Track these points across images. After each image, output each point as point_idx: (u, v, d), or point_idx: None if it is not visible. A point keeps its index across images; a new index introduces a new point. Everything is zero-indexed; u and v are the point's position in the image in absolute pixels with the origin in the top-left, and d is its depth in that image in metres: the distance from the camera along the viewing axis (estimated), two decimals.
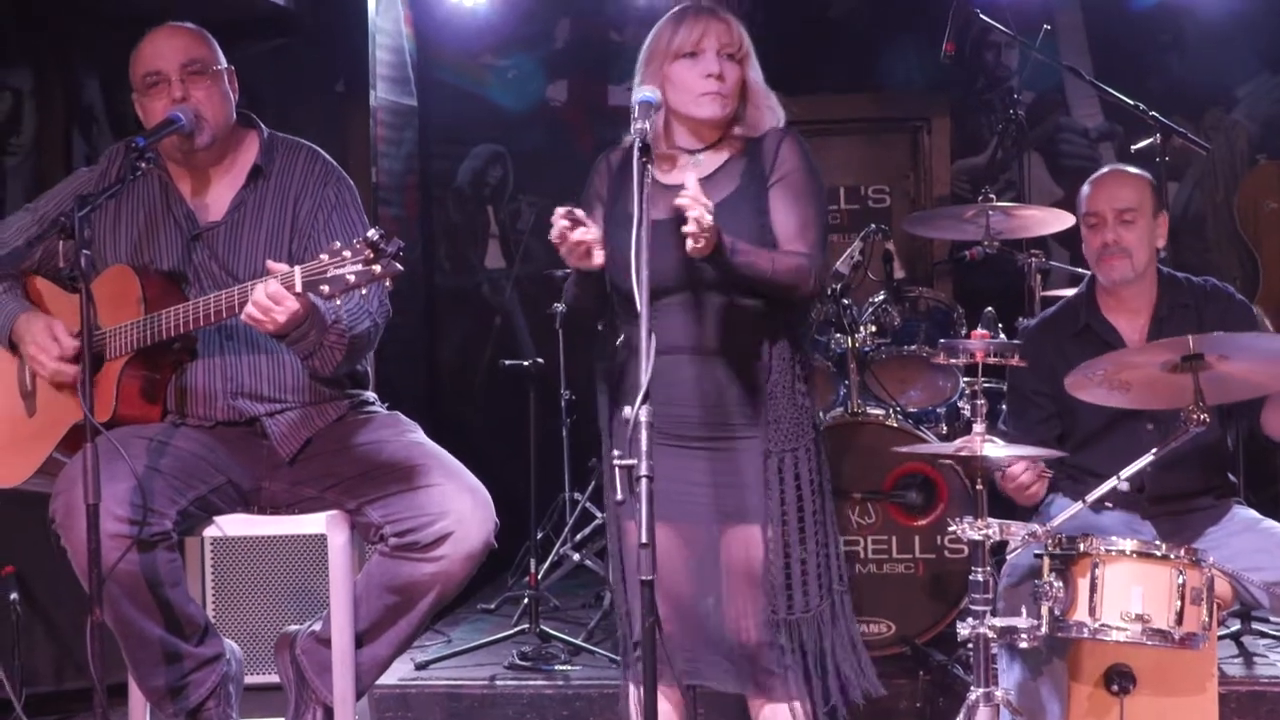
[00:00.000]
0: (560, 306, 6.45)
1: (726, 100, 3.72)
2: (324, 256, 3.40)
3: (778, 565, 3.67)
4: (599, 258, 3.48)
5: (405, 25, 7.62)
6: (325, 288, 3.39)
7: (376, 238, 3.35)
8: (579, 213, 3.48)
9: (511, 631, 5.64)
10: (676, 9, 3.79)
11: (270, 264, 3.52)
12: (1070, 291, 4.81)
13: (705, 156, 3.79)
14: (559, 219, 3.44)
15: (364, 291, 3.41)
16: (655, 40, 3.77)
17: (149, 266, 3.89)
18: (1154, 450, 3.72)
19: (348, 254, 3.37)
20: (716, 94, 3.70)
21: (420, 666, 5.30)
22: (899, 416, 5.41)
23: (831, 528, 3.78)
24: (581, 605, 6.23)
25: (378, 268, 3.35)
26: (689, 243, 3.36)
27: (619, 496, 3.09)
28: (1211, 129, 7.66)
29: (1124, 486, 3.85)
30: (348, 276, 3.36)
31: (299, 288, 3.43)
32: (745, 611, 3.70)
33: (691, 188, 3.37)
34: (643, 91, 3.54)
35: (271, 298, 3.47)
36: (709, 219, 3.34)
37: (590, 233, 3.46)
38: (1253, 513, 4.34)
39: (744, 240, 3.56)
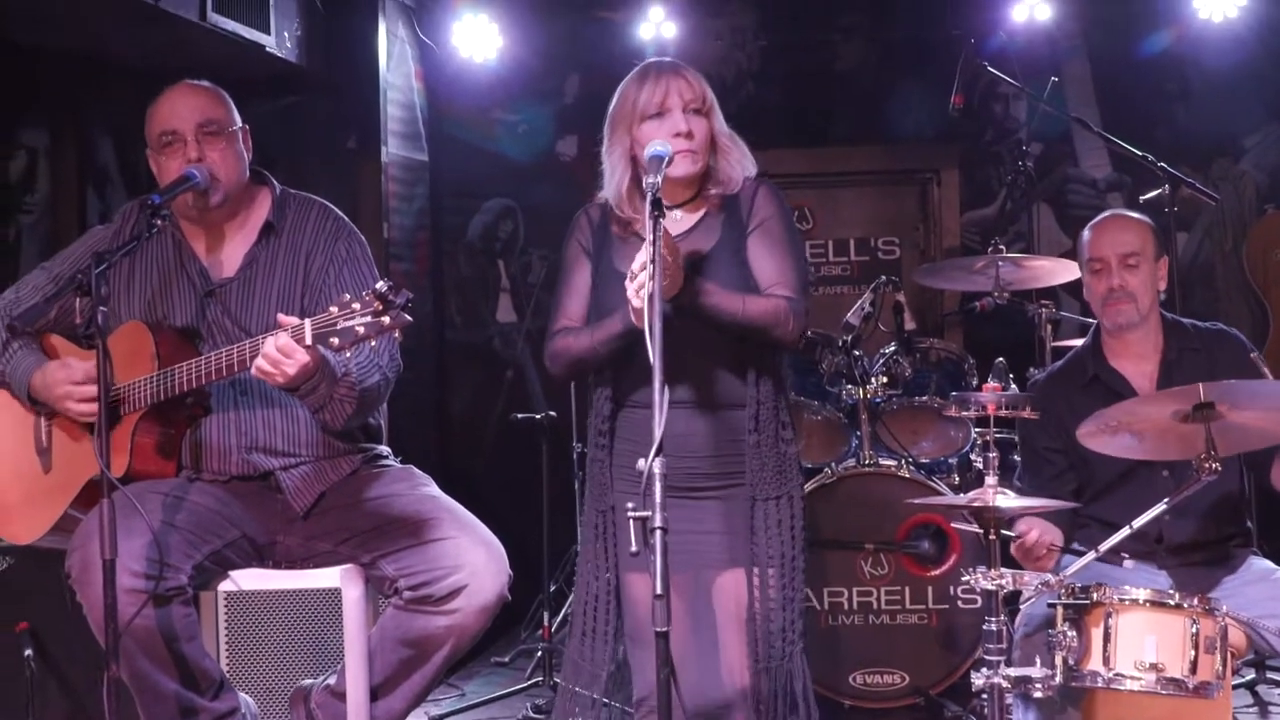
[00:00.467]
0: None
1: (698, 155, 3.77)
2: (333, 309, 3.43)
3: (763, 611, 3.70)
4: None
5: (416, 81, 7.69)
6: (335, 339, 3.41)
7: (385, 289, 3.37)
8: None
9: (525, 684, 5.65)
10: (638, 68, 3.85)
11: (281, 317, 3.55)
12: (1079, 342, 4.82)
13: (682, 213, 3.84)
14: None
15: (374, 344, 3.42)
16: (620, 103, 3.84)
17: (162, 323, 3.92)
18: (1165, 500, 3.72)
19: (357, 306, 3.39)
20: (688, 151, 3.74)
21: None
22: (911, 467, 5.43)
23: (801, 580, 3.82)
24: None
25: (386, 319, 3.37)
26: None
27: (634, 549, 3.10)
28: (1219, 179, 7.70)
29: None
30: (357, 328, 3.38)
31: (309, 340, 3.46)
32: (736, 655, 3.73)
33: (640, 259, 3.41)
34: (654, 147, 3.58)
35: (281, 351, 3.50)
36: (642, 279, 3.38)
37: None
38: (1268, 563, 4.33)
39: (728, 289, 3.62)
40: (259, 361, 3.54)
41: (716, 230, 3.79)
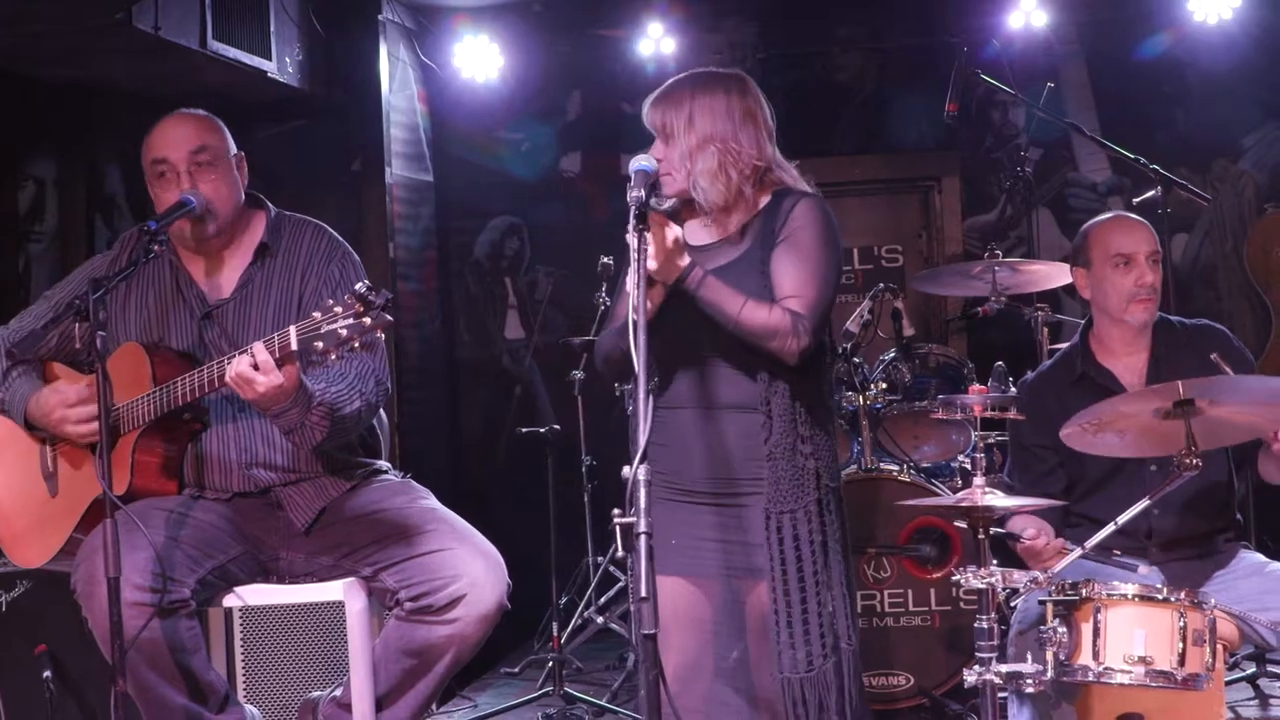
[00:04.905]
0: (579, 374, 6.55)
1: (674, 177, 3.81)
2: (317, 314, 3.48)
3: (782, 623, 3.71)
4: None
5: (419, 103, 7.78)
6: (319, 344, 3.45)
7: (364, 291, 3.43)
8: None
9: (536, 694, 5.70)
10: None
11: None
12: None
13: (711, 222, 3.87)
14: None
15: (357, 346, 3.46)
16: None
17: (159, 344, 3.98)
18: (1148, 497, 3.76)
19: (339, 309, 3.44)
20: (667, 174, 3.80)
21: None
22: (912, 472, 5.48)
23: (839, 586, 3.79)
24: (605, 667, 6.29)
25: (368, 320, 3.42)
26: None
27: (619, 553, 3.16)
28: (1219, 179, 7.74)
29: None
30: (340, 331, 3.42)
31: (294, 345, 3.50)
32: (761, 664, 3.75)
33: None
34: (639, 161, 3.60)
35: (261, 369, 3.54)
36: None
37: None
38: (1260, 556, 4.36)
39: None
40: (228, 374, 3.59)
41: (745, 241, 3.79)
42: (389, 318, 3.46)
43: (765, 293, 3.72)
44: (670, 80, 3.90)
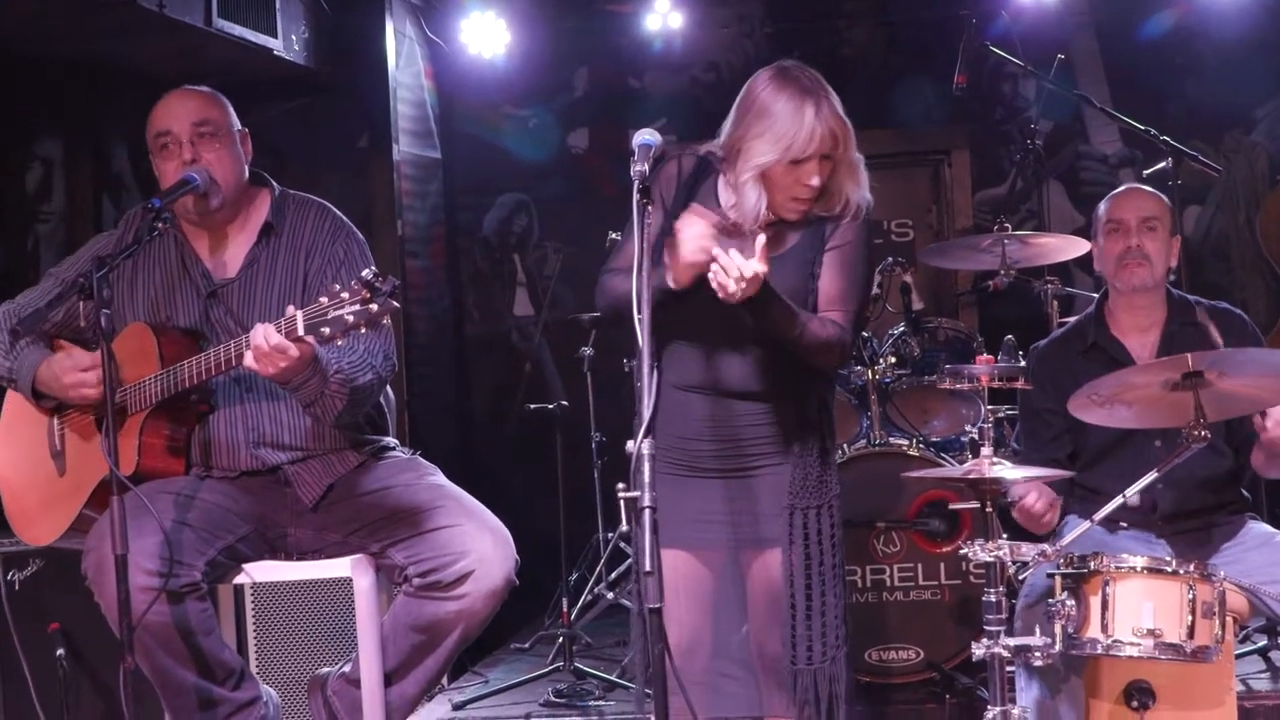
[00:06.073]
0: (588, 351, 6.55)
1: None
2: (323, 299, 3.48)
3: (800, 615, 3.71)
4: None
5: (426, 79, 7.76)
6: (326, 329, 3.46)
7: (371, 277, 3.43)
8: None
9: (546, 670, 5.71)
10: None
11: (289, 309, 3.59)
12: None
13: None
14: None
15: (364, 331, 3.46)
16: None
17: (166, 324, 3.99)
18: (1155, 470, 3.76)
19: (345, 295, 3.44)
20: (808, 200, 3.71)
21: (458, 707, 5.38)
22: (921, 446, 5.46)
23: (843, 583, 3.83)
24: (615, 643, 6.29)
25: (374, 306, 3.43)
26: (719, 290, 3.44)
27: (624, 527, 3.15)
28: (1231, 151, 7.70)
29: (1134, 501, 3.88)
30: (346, 317, 3.43)
31: (301, 331, 3.50)
32: (767, 631, 3.75)
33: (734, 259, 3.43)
34: (643, 135, 3.56)
35: (275, 347, 3.55)
36: (733, 288, 3.41)
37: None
38: (1267, 527, 4.38)
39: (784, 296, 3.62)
40: (246, 357, 3.60)
41: (798, 236, 3.74)
42: (395, 304, 3.46)
43: (806, 292, 3.71)
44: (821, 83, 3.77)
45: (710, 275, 3.45)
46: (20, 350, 4.07)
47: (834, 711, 3.74)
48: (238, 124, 4.07)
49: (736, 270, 3.40)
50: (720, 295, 3.44)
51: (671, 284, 3.55)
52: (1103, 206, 4.48)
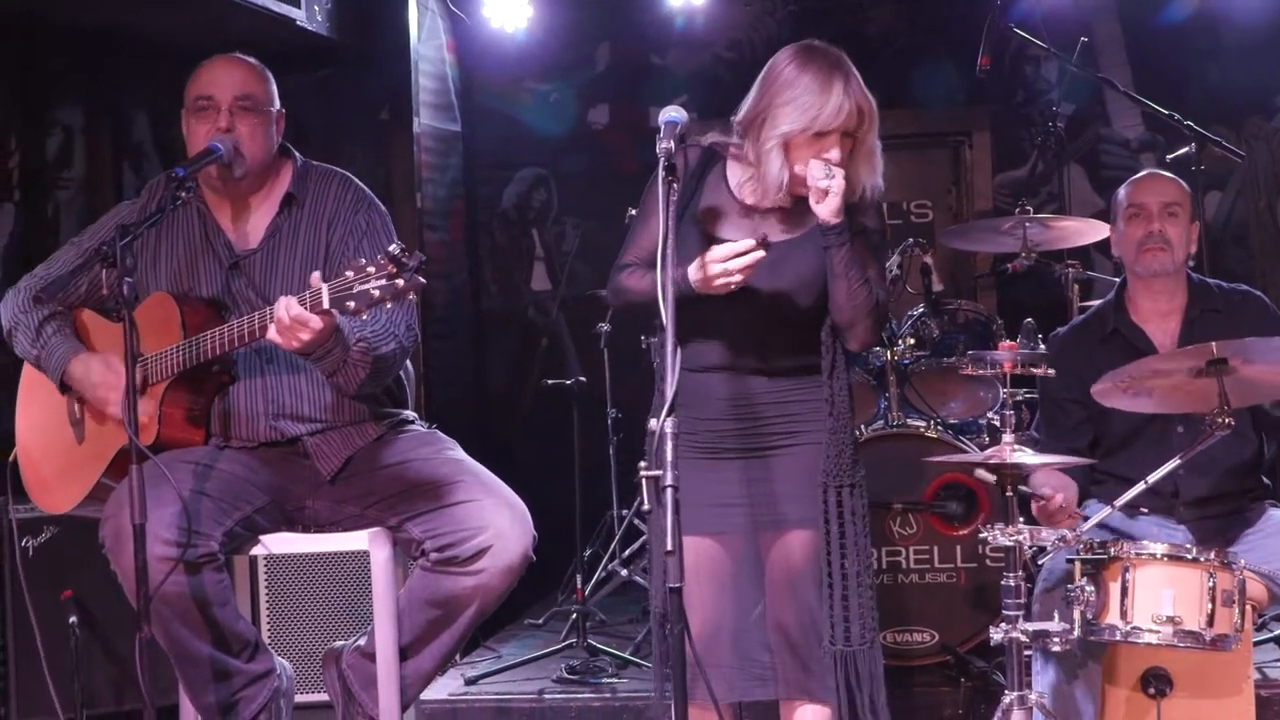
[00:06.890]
0: (605, 327, 6.54)
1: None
2: (349, 273, 3.47)
3: (837, 595, 3.69)
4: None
5: (448, 52, 7.73)
6: (351, 303, 3.45)
7: (398, 252, 3.42)
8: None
9: (560, 646, 5.70)
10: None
11: (314, 276, 3.57)
12: None
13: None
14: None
15: (389, 306, 3.46)
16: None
17: (188, 294, 3.98)
18: (1180, 455, 3.75)
19: (371, 270, 3.43)
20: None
21: (470, 682, 5.36)
22: (939, 428, 5.45)
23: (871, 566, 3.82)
24: (629, 620, 6.28)
25: (401, 281, 3.42)
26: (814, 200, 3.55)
27: (645, 506, 3.14)
28: (1253, 137, 7.65)
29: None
30: (372, 291, 3.42)
31: (326, 304, 3.50)
32: (784, 610, 3.73)
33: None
34: (669, 112, 3.54)
35: (296, 319, 3.54)
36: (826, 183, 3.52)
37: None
38: None
39: (798, 281, 3.65)
40: (271, 330, 3.60)
41: (812, 221, 3.68)
42: (421, 280, 3.45)
43: (814, 270, 3.68)
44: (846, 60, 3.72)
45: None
46: (48, 339, 4.06)
47: (875, 695, 3.72)
48: (278, 104, 4.06)
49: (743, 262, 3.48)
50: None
51: (694, 289, 3.56)
52: (1122, 191, 4.47)
